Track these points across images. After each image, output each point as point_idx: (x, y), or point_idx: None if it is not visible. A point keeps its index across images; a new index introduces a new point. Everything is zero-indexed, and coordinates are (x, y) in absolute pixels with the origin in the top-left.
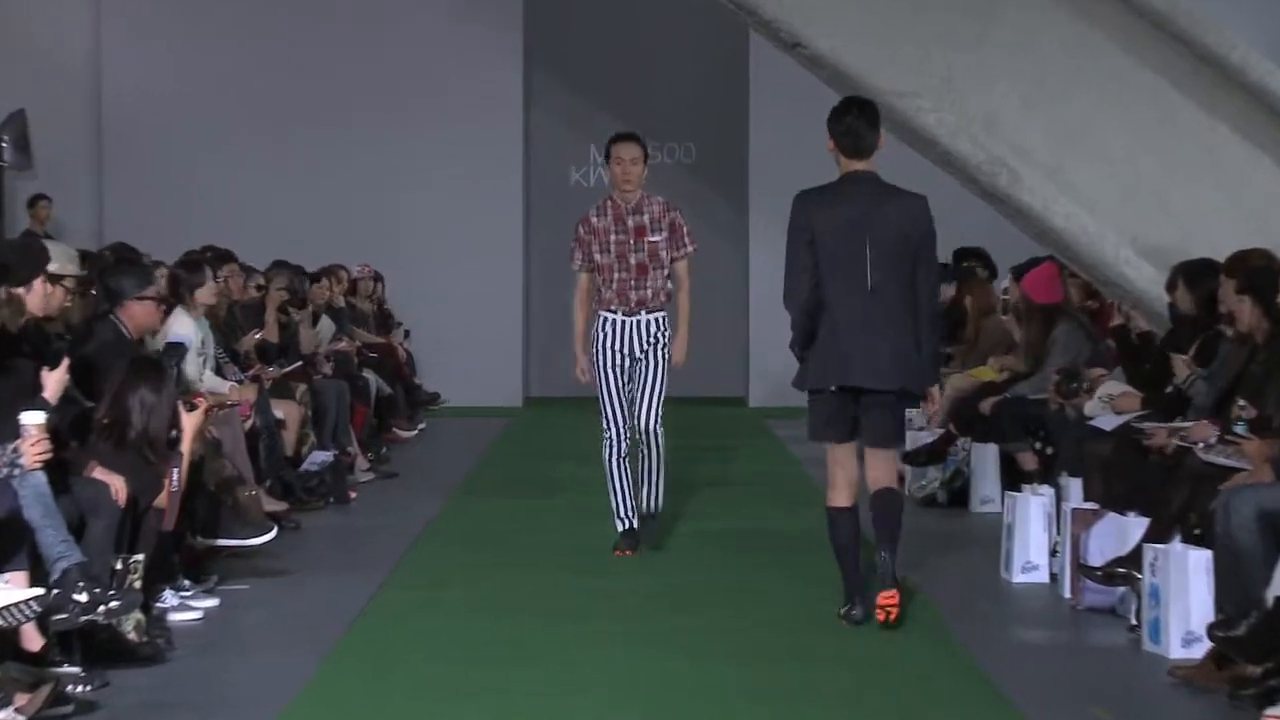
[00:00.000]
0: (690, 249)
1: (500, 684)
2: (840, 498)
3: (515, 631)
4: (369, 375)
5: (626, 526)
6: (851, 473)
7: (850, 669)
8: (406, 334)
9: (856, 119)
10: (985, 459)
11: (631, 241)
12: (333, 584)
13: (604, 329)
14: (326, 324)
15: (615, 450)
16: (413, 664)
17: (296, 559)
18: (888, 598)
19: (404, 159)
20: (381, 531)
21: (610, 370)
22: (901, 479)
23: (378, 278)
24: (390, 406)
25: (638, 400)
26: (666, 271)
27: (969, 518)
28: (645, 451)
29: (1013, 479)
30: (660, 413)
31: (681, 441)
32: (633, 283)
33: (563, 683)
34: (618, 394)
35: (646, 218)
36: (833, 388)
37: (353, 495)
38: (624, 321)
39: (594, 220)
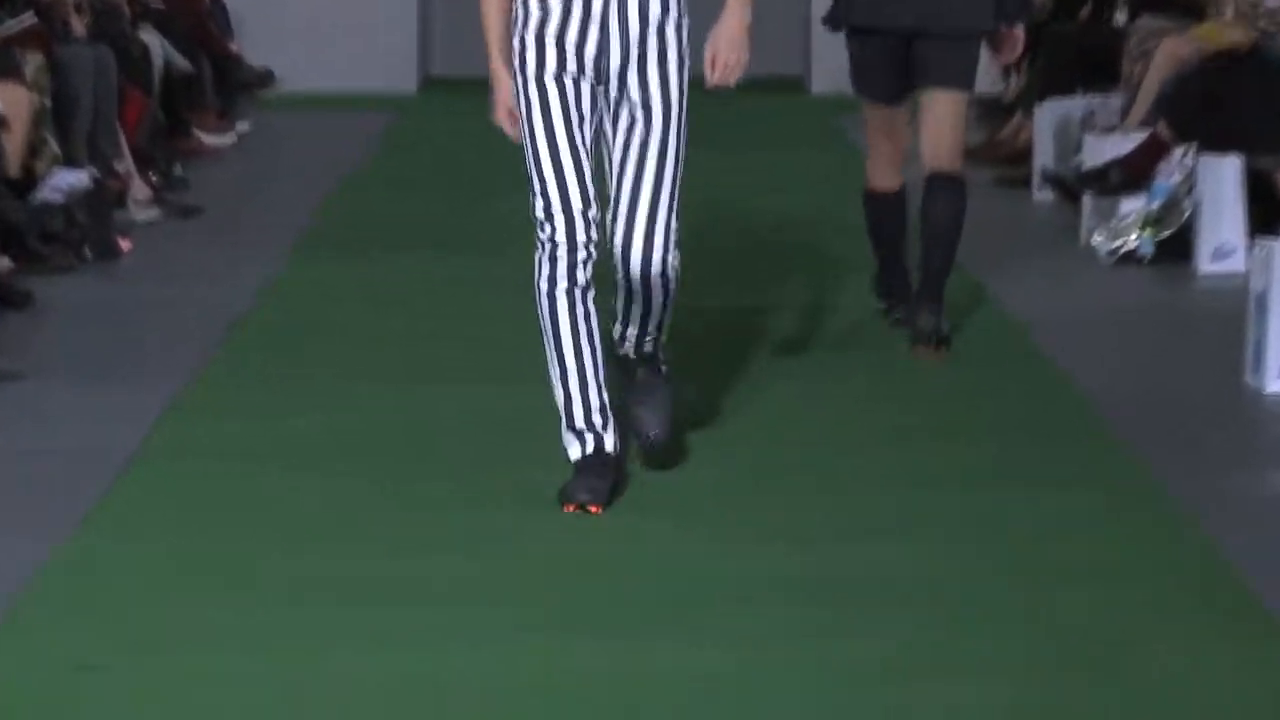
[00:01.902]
0: None
1: (338, 574)
2: (884, 177)
3: (357, 497)
4: (151, 38)
5: (590, 448)
6: (900, 143)
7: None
8: None
9: None
10: (1222, 182)
11: None
12: (83, 408)
13: (542, 16)
14: None
15: (564, 275)
16: (199, 544)
17: (23, 359)
18: (928, 352)
19: None
20: (170, 313)
21: (557, 104)
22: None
23: None
24: (189, 94)
25: (619, 180)
26: None
27: (1191, 284)
28: (628, 288)
29: (1268, 217)
30: (671, 222)
31: (709, 159)
32: None
33: (405, 556)
34: (572, 153)
35: None
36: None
37: (124, 246)
38: None
39: None
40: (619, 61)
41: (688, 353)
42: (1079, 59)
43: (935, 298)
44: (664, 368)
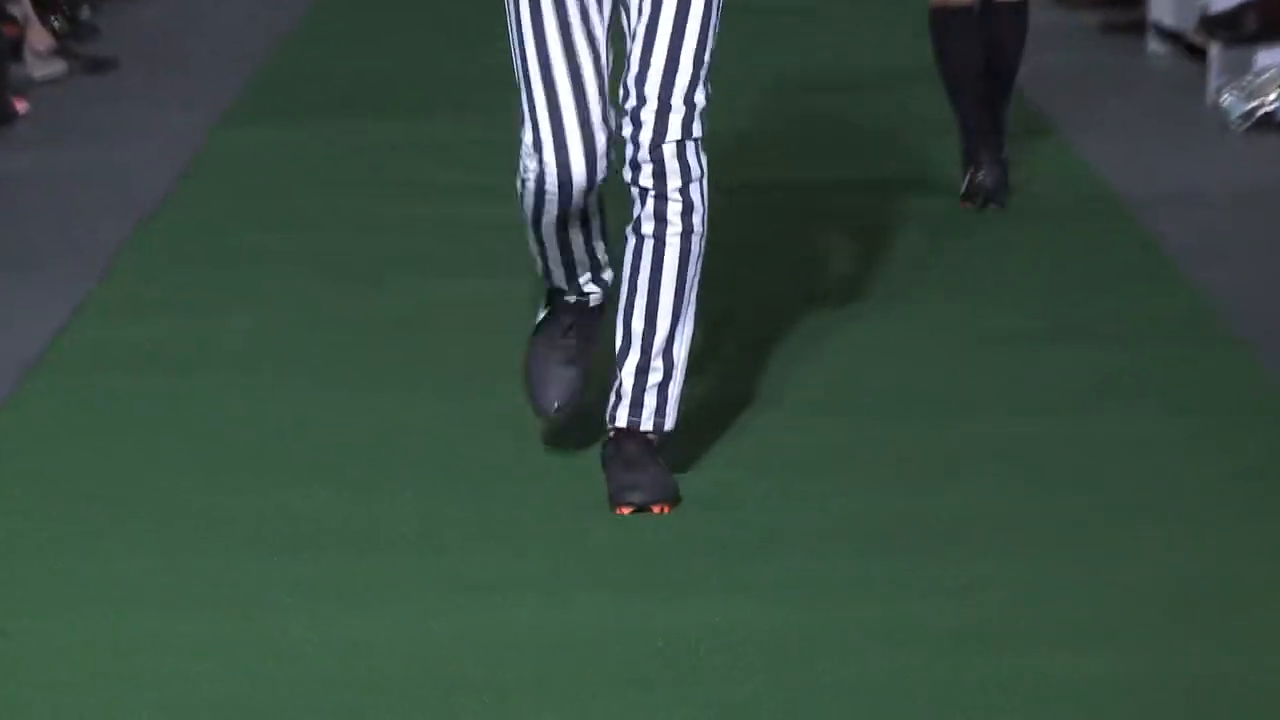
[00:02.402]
0: None
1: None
2: None
3: (297, 411)
4: None
5: (574, 297)
6: None
7: None
8: None
9: None
10: None
11: None
12: None
13: None
14: None
15: (552, 206)
16: (110, 476)
17: None
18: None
19: None
20: (75, 190)
21: None
22: None
23: None
24: None
25: (637, 60)
26: None
27: None
28: (644, 220)
29: None
30: (698, 102)
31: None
32: None
33: (360, 490)
34: (569, 60)
35: None
36: None
37: (20, 108)
38: None
39: None
40: None
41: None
42: None
43: (996, 145)
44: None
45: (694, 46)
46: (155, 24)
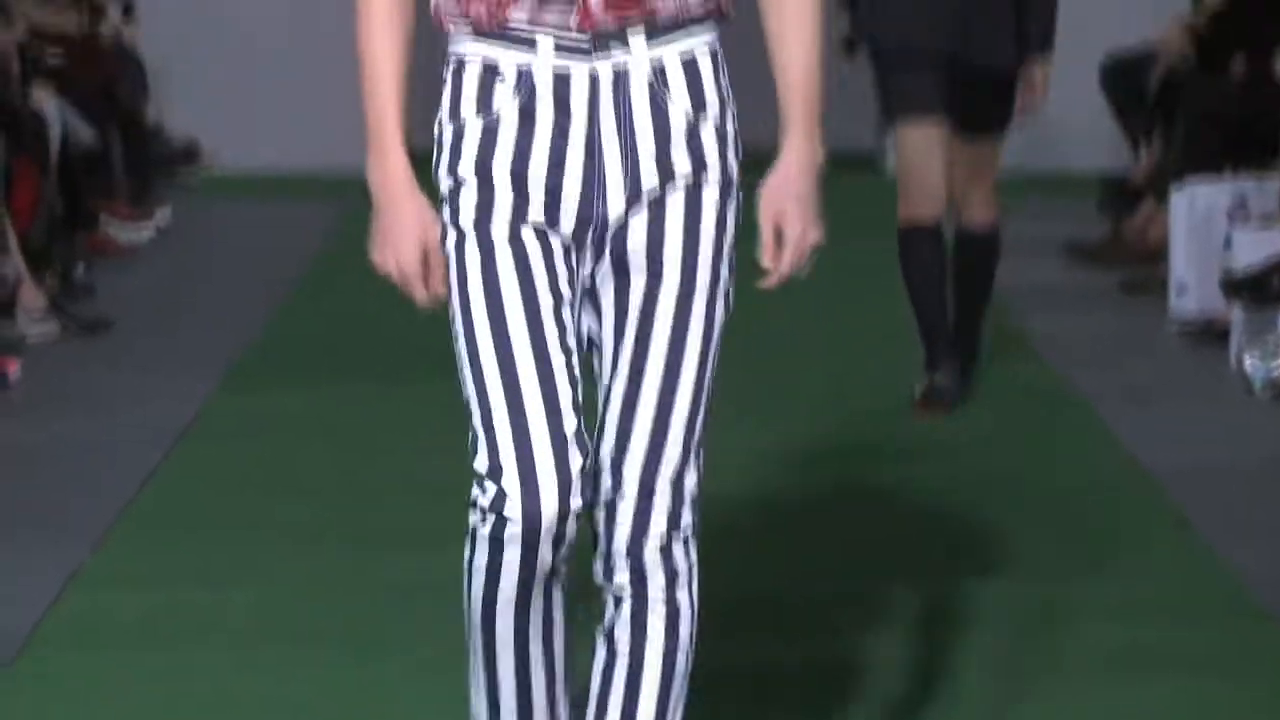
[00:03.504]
0: None
1: None
2: (922, 206)
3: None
4: (46, 102)
5: None
6: (939, 168)
7: None
8: (128, 10)
9: None
10: None
11: None
12: None
13: (486, 128)
14: None
15: (513, 570)
16: None
17: None
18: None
19: None
20: (68, 458)
21: (513, 280)
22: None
23: None
24: (95, 173)
25: (613, 427)
26: None
27: None
28: (619, 629)
29: None
30: (688, 467)
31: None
32: None
33: None
34: (541, 366)
35: None
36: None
37: (11, 370)
38: (568, 80)
39: None
40: (620, 206)
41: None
42: (1228, 127)
43: (955, 354)
44: None
45: (686, 410)
46: (152, 284)
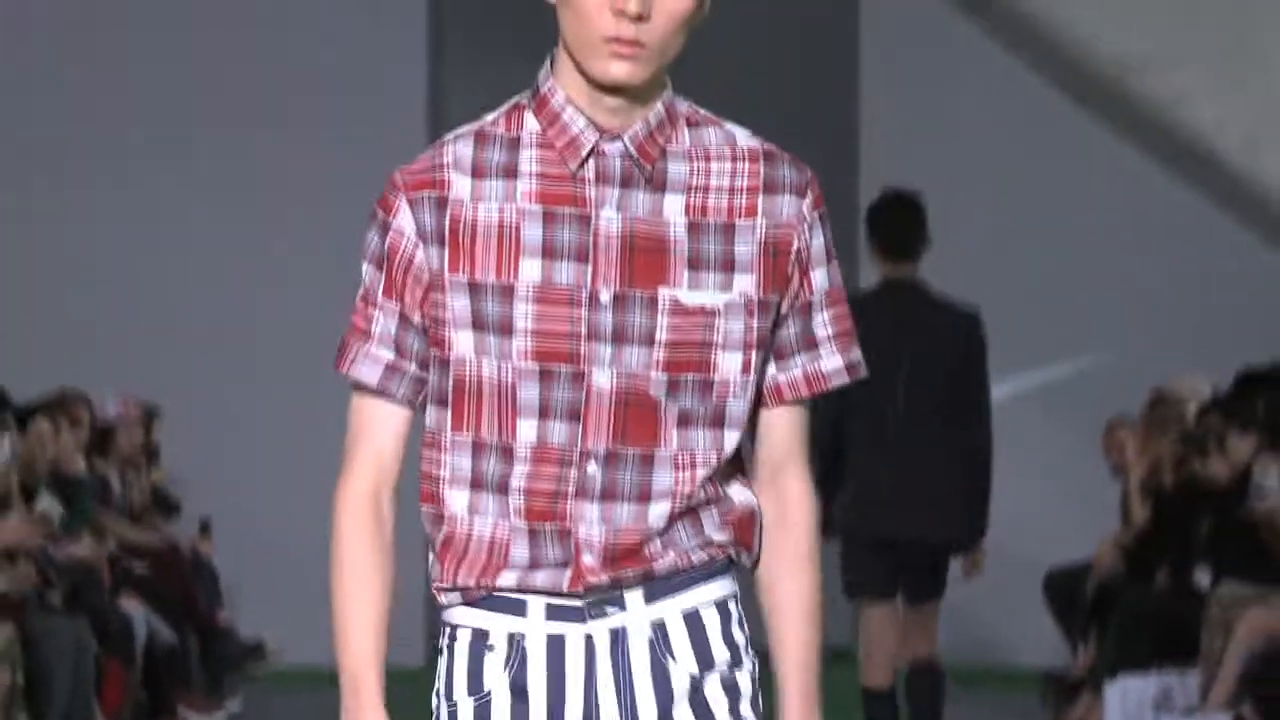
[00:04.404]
0: (842, 362)
1: None
2: (879, 677)
3: None
4: (133, 608)
5: None
6: (895, 640)
7: None
8: (205, 529)
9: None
10: None
11: (615, 291)
12: None
13: (485, 700)
14: (50, 506)
15: None
16: None
17: None
18: None
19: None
20: None
21: None
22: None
23: (149, 417)
24: (174, 668)
25: None
26: (738, 432)
27: None
28: None
29: None
30: None
31: None
32: (605, 470)
33: None
34: None
35: (682, 202)
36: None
37: None
38: (562, 644)
39: (462, 194)
40: None
41: None
42: (1155, 629)
43: None
44: None
45: None
46: None
